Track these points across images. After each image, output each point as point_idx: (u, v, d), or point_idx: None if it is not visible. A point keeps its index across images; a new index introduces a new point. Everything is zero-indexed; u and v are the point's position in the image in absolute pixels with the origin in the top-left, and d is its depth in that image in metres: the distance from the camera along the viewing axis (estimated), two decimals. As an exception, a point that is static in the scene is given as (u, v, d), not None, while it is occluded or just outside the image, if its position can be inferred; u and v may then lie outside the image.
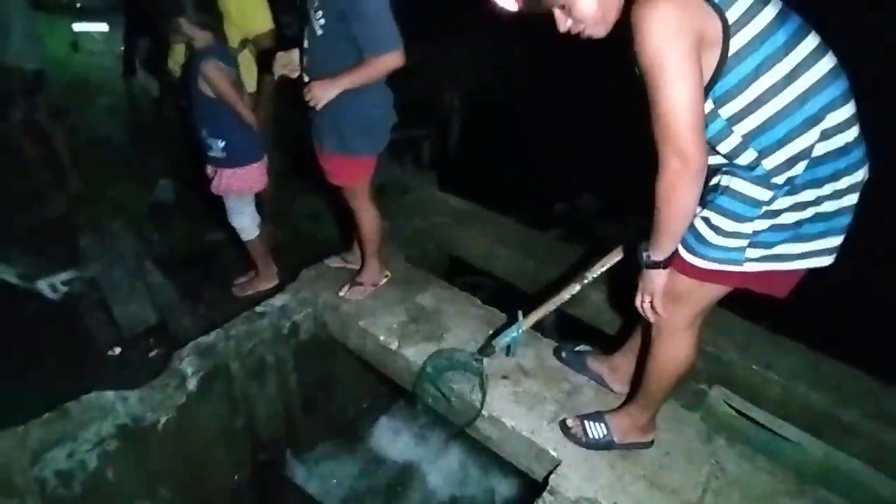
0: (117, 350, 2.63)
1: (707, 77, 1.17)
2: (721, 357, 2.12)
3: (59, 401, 1.90)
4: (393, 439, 2.68)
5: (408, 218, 2.87)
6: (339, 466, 2.60)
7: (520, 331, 1.91)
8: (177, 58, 2.91)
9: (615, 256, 1.76)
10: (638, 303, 1.47)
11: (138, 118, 4.75)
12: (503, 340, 1.92)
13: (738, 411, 2.02)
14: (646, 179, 1.24)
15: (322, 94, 1.87)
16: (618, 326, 2.29)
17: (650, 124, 1.18)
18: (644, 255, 1.38)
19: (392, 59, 1.86)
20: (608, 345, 2.09)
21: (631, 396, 1.81)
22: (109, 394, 1.96)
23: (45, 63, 3.39)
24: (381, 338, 2.15)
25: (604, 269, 1.77)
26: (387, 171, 3.26)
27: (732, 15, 1.14)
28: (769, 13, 1.15)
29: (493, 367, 2.02)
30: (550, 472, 1.73)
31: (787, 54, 1.16)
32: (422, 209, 2.97)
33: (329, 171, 2.12)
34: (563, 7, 1.26)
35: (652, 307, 1.44)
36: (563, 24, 1.28)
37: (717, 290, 1.43)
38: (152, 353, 2.56)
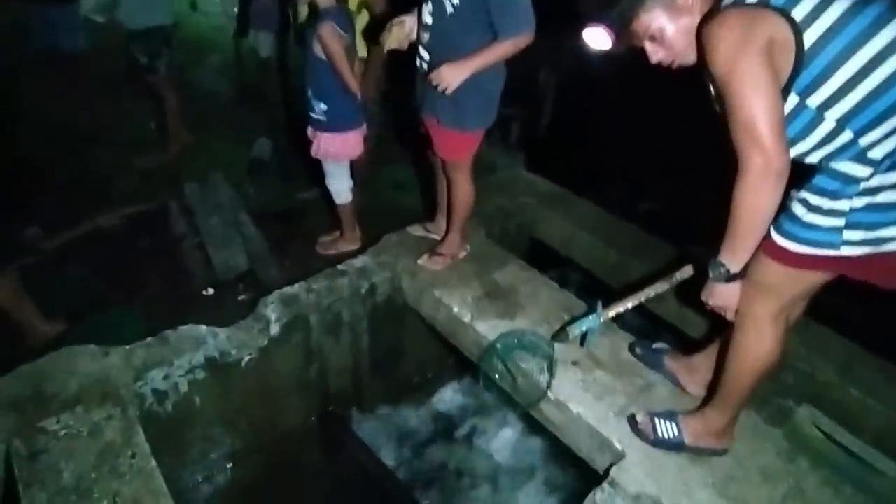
0: (211, 290, 2.85)
1: (785, 76, 1.20)
2: (815, 375, 1.97)
3: (159, 328, 2.09)
4: (454, 410, 2.72)
5: (492, 196, 2.86)
6: (401, 428, 2.68)
7: (598, 321, 1.87)
8: (302, 19, 3.03)
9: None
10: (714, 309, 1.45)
11: (245, 78, 5.03)
12: (579, 328, 1.88)
13: (828, 435, 1.87)
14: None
15: (453, 78, 1.86)
16: (703, 330, 2.17)
17: (728, 133, 1.21)
18: (719, 269, 1.35)
19: (525, 41, 1.85)
20: (688, 348, 2.00)
21: (708, 400, 1.72)
22: (202, 328, 2.13)
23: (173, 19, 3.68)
24: (455, 309, 2.18)
25: (692, 272, 1.70)
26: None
27: (799, 13, 1.16)
28: (841, 4, 1.16)
29: (564, 353, 1.99)
30: (612, 465, 1.69)
31: (873, 36, 1.14)
32: (507, 188, 2.95)
33: (440, 144, 2.14)
34: (653, 40, 1.34)
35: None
36: (655, 55, 1.37)
37: (808, 280, 1.36)
38: (241, 298, 2.76)
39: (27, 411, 1.72)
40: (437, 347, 2.62)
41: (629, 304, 1.83)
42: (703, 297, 1.45)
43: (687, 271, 1.75)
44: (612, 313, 1.86)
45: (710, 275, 1.38)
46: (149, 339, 2.05)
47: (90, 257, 3.05)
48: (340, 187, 2.75)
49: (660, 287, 1.78)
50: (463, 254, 2.40)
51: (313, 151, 2.65)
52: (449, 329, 2.25)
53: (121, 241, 3.20)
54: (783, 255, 1.32)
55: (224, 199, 3.43)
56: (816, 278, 1.37)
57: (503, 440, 2.54)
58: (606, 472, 1.69)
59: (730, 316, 1.45)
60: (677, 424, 1.70)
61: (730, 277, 1.35)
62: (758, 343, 1.46)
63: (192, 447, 2.21)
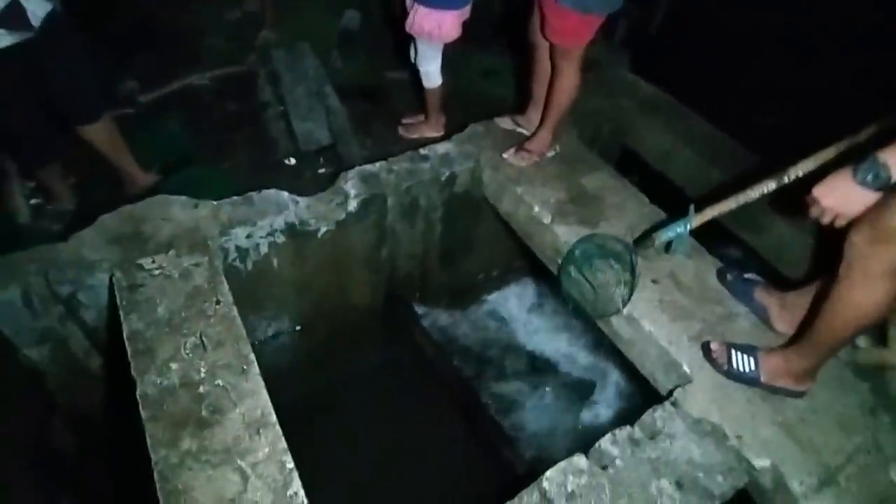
0: (293, 160, 2.89)
1: None
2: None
3: (243, 190, 2.15)
4: (515, 310, 2.74)
5: (589, 95, 2.64)
6: (460, 321, 2.74)
7: (687, 227, 1.70)
8: None
9: (830, 153, 1.46)
10: (815, 215, 1.24)
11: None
12: (666, 234, 1.74)
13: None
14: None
15: None
16: (801, 270, 1.99)
17: None
18: (875, 170, 1.13)
19: None
20: (782, 286, 1.84)
21: (794, 341, 1.61)
22: (284, 194, 2.17)
23: None
24: (536, 209, 2.10)
25: (814, 167, 1.46)
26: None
27: None
28: None
29: (646, 268, 1.90)
30: (677, 387, 1.65)
31: None
32: (607, 88, 2.70)
33: (555, 27, 1.94)
34: None
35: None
36: None
37: None
38: (321, 171, 2.78)
39: (128, 248, 1.86)
40: (508, 247, 2.58)
41: (728, 205, 1.61)
42: (817, 194, 1.24)
43: (805, 166, 1.48)
44: (706, 218, 1.67)
45: (854, 175, 1.16)
46: (235, 197, 2.12)
47: (182, 114, 3.15)
48: (431, 69, 2.60)
49: (767, 186, 1.53)
50: (552, 153, 2.27)
51: (407, 26, 2.48)
52: (526, 229, 2.19)
53: (209, 102, 3.26)
54: None
55: (310, 70, 3.36)
56: None
57: (560, 346, 2.55)
58: (670, 393, 1.65)
59: (839, 222, 1.24)
60: (755, 359, 1.61)
61: (882, 185, 1.14)
62: (865, 297, 1.31)
63: (267, 306, 2.35)
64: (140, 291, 1.72)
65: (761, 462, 1.49)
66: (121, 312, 1.66)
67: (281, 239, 2.13)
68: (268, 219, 2.08)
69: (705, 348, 1.69)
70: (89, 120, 2.48)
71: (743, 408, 1.59)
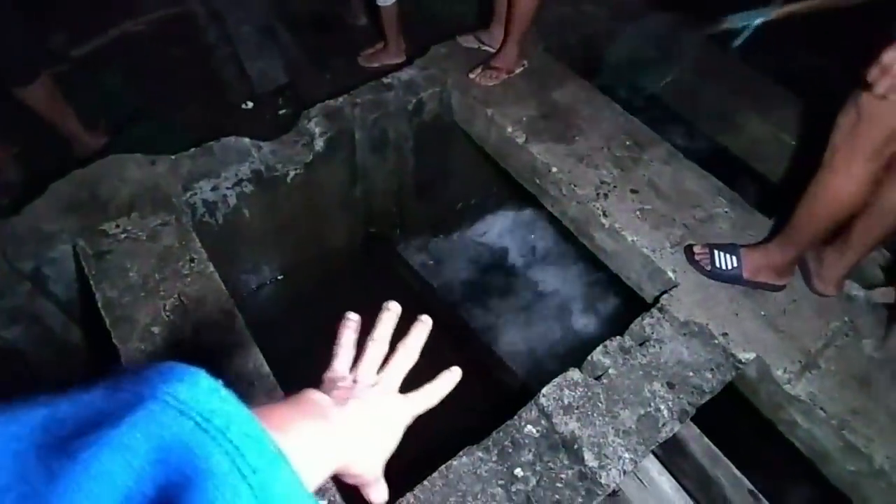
0: (250, 104, 2.73)
1: None
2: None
3: (202, 140, 2.03)
4: (497, 236, 2.72)
5: (554, 2, 2.50)
6: (443, 251, 2.72)
7: (762, 19, 1.53)
8: None
9: None
10: (884, 88, 1.11)
11: None
12: (742, 20, 1.55)
13: (892, 274, 1.80)
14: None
15: None
16: (779, 167, 1.99)
17: None
18: None
19: None
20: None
21: (774, 234, 1.63)
22: (245, 140, 2.06)
23: None
24: (508, 129, 2.03)
25: None
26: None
27: None
28: None
29: (624, 179, 1.88)
30: (663, 293, 1.68)
31: None
32: (571, -6, 2.56)
33: None
34: None
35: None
36: None
37: None
38: (281, 112, 2.64)
39: (86, 214, 1.77)
40: (485, 171, 2.52)
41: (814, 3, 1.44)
42: (889, 59, 1.08)
43: None
44: (787, 11, 1.50)
45: None
46: (193, 149, 2.00)
47: (122, 66, 2.92)
48: None
49: None
50: (520, 69, 2.17)
51: None
52: (500, 151, 2.13)
53: (150, 50, 3.02)
54: None
55: (255, 4, 3.12)
56: None
57: (544, 265, 2.57)
58: (656, 300, 1.68)
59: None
60: (737, 257, 1.64)
61: None
62: (845, 184, 1.32)
63: (246, 258, 2.30)
64: (107, 258, 1.65)
65: (746, 355, 1.54)
66: (91, 282, 1.60)
67: (249, 188, 2.05)
68: (232, 168, 1.99)
69: (688, 252, 1.70)
70: (25, 81, 2.28)
71: (727, 306, 1.63)
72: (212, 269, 1.67)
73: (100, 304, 1.56)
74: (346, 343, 0.54)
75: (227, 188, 2.01)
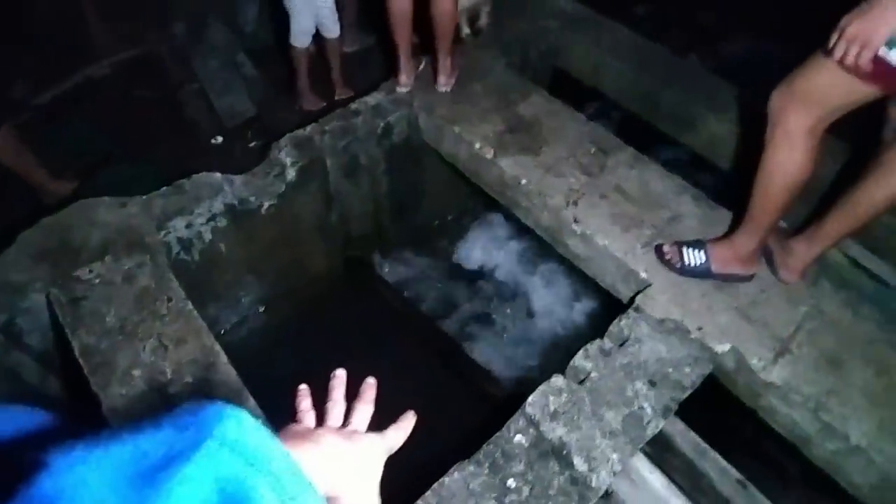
0: (220, 139, 2.74)
1: None
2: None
3: (172, 180, 2.03)
4: (475, 250, 2.76)
5: (511, 20, 2.57)
6: (423, 269, 2.74)
7: None
8: None
9: None
10: (839, 52, 1.16)
11: None
12: None
13: (854, 260, 1.87)
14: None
15: None
16: (737, 162, 2.06)
17: None
18: None
19: None
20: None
21: (736, 226, 1.69)
22: (217, 175, 2.07)
23: None
24: (477, 145, 2.07)
25: None
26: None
27: None
28: None
29: (592, 186, 1.93)
30: (638, 293, 1.72)
31: None
32: (527, 10, 2.63)
33: None
34: None
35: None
36: None
37: (862, 93, 1.22)
38: (251, 144, 2.66)
39: (59, 262, 1.75)
40: (458, 188, 2.56)
41: None
42: (844, 20, 1.14)
43: None
44: None
45: None
46: (164, 188, 2.00)
47: (87, 111, 2.91)
48: (295, 28, 2.50)
49: None
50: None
51: None
52: (471, 167, 2.17)
53: (116, 92, 3.02)
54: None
55: (218, 40, 3.15)
56: (870, 93, 1.23)
57: (521, 274, 2.60)
58: (632, 300, 1.72)
59: (862, 58, 1.14)
60: (704, 251, 1.69)
61: None
62: (789, 157, 1.39)
63: (224, 292, 2.29)
64: (83, 305, 1.64)
65: (722, 347, 1.59)
66: (66, 330, 1.58)
67: (223, 222, 2.05)
68: (204, 204, 1.99)
69: (658, 251, 1.75)
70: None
71: (700, 301, 1.68)
72: (190, 306, 1.67)
73: (76, 352, 1.54)
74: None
75: (202, 224, 2.01)
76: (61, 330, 1.62)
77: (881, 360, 1.56)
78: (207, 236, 2.05)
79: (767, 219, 1.53)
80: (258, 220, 2.13)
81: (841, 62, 1.17)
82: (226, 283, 2.26)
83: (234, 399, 1.46)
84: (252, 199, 2.07)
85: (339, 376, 0.63)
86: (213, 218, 2.01)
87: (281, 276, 2.42)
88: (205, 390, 1.52)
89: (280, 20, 3.28)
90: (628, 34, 2.51)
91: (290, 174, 2.11)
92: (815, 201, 1.79)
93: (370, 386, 0.64)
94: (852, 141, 1.90)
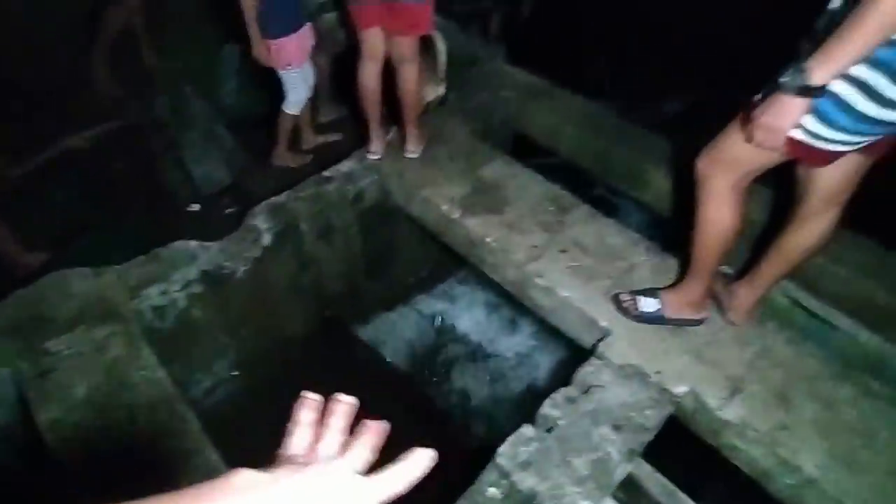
0: (196, 206, 2.82)
1: None
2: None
3: (148, 248, 2.09)
4: (449, 305, 2.84)
5: (473, 91, 2.78)
6: (399, 327, 2.80)
7: None
8: None
9: None
10: (758, 139, 1.29)
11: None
12: None
13: (794, 300, 2.01)
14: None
15: None
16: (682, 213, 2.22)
17: None
18: (798, 74, 1.16)
19: None
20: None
21: (684, 274, 1.82)
22: (193, 243, 2.14)
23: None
24: (444, 207, 2.20)
25: None
26: (454, 42, 3.12)
27: None
28: None
29: (552, 242, 2.05)
30: (599, 341, 1.81)
31: None
32: (488, 82, 2.86)
33: (411, 21, 2.04)
34: None
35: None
36: None
37: (771, 157, 1.38)
38: (228, 211, 2.74)
39: (29, 335, 1.76)
40: (430, 246, 2.67)
41: None
42: (755, 114, 1.27)
43: None
44: None
45: (782, 80, 1.19)
46: (140, 257, 2.06)
47: (66, 182, 2.97)
48: (291, 98, 2.68)
49: None
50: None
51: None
52: (439, 227, 2.29)
53: (95, 163, 3.10)
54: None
55: (197, 112, 3.29)
56: (782, 158, 1.39)
57: (493, 327, 2.68)
58: (594, 347, 1.81)
59: (776, 143, 1.28)
60: (658, 299, 1.81)
61: (802, 89, 1.17)
62: (718, 212, 1.54)
63: (198, 358, 2.30)
64: (50, 378, 1.65)
65: (680, 389, 1.67)
66: (32, 407, 1.58)
67: (198, 289, 2.10)
68: (180, 272, 2.05)
69: (616, 300, 1.86)
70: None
71: (657, 345, 1.78)
72: (162, 374, 1.69)
73: (42, 427, 1.54)
74: (302, 421, 0.51)
75: (176, 291, 2.05)
76: (27, 405, 1.62)
77: (826, 394, 1.67)
78: (182, 303, 2.09)
79: (708, 267, 1.67)
80: (233, 286, 2.18)
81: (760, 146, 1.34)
82: (200, 348, 2.28)
83: (205, 466, 1.47)
84: (227, 264, 2.14)
85: (312, 399, 0.53)
86: (187, 285, 2.06)
87: (256, 339, 2.45)
88: (177, 459, 1.52)
89: (258, 93, 3.47)
90: (580, 101, 2.73)
91: (266, 239, 2.20)
92: (753, 246, 1.94)
93: (376, 429, 0.51)
94: (779, 187, 2.08)
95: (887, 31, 1.07)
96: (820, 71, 1.14)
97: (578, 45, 3.93)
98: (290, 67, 2.55)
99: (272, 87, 3.31)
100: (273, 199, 2.28)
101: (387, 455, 0.50)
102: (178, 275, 2.05)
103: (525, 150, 2.82)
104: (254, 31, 2.37)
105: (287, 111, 2.71)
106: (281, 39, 2.45)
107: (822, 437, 1.57)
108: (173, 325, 2.11)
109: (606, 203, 2.36)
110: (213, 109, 3.30)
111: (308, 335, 2.66)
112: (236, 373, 2.48)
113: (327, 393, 0.55)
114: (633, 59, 3.91)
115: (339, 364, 2.61)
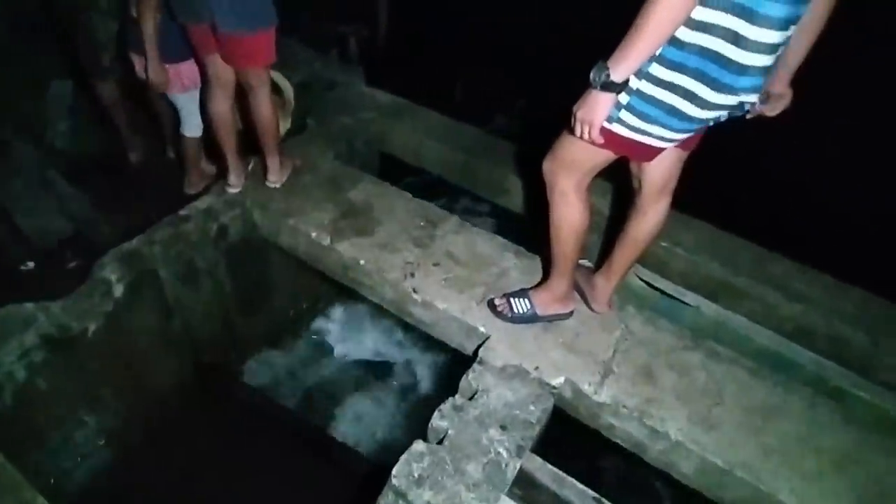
0: (31, 264, 2.50)
1: None
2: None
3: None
4: (334, 334, 2.78)
5: (334, 115, 2.77)
6: (284, 363, 2.69)
7: None
8: None
9: None
10: (578, 132, 1.42)
11: (18, 9, 4.11)
12: None
13: (647, 283, 2.23)
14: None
15: None
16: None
17: None
18: (602, 73, 1.29)
19: None
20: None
21: (548, 273, 1.94)
22: (28, 305, 1.90)
23: None
24: (313, 234, 2.15)
25: None
26: (311, 67, 3.09)
27: None
28: None
29: (425, 255, 2.09)
30: (480, 346, 1.87)
31: None
32: (349, 105, 2.86)
33: (243, 53, 1.97)
34: None
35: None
36: None
37: (604, 155, 1.53)
38: (71, 265, 2.46)
39: None
40: (306, 276, 2.60)
41: None
42: (574, 108, 1.40)
43: None
44: None
45: (591, 77, 1.32)
46: (-38, 331, 1.78)
47: None
48: (193, 121, 2.53)
49: None
50: (298, 161, 2.38)
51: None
52: (311, 255, 2.23)
53: None
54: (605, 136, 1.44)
55: (23, 160, 2.92)
56: (610, 155, 1.55)
57: (380, 349, 2.67)
58: (475, 353, 1.86)
59: (592, 133, 1.39)
60: (528, 299, 1.91)
61: (606, 85, 1.30)
62: (566, 211, 1.66)
63: (52, 433, 2.04)
64: None
65: (558, 380, 1.78)
66: None
67: (39, 356, 1.87)
68: (14, 340, 1.81)
69: (490, 305, 1.94)
70: None
71: (532, 343, 1.87)
72: (2, 459, 1.47)
73: None
74: None
75: (13, 362, 1.80)
76: None
77: (681, 363, 1.86)
78: (21, 375, 1.84)
79: (568, 262, 1.79)
80: (85, 347, 1.96)
81: (580, 137, 1.47)
82: (53, 422, 2.02)
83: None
84: (74, 324, 1.92)
85: None
86: (26, 354, 1.82)
87: (122, 401, 2.22)
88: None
89: (95, 133, 3.16)
90: (438, 117, 2.83)
91: (118, 291, 2.01)
92: (605, 238, 2.13)
93: None
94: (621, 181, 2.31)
95: (668, 26, 1.21)
96: (618, 67, 1.28)
97: (431, 61, 4.09)
98: (187, 90, 2.39)
99: (108, 125, 3.05)
100: (123, 245, 2.09)
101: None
102: (11, 344, 1.80)
103: (397, 169, 2.86)
104: (153, 53, 2.18)
105: (188, 135, 2.55)
106: (181, 64, 2.31)
107: (682, 402, 1.75)
108: (14, 402, 1.85)
109: (474, 213, 2.44)
110: (43, 154, 2.96)
111: (185, 385, 2.46)
112: (102, 442, 2.22)
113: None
114: (482, 73, 4.14)
115: (223, 412, 2.44)
